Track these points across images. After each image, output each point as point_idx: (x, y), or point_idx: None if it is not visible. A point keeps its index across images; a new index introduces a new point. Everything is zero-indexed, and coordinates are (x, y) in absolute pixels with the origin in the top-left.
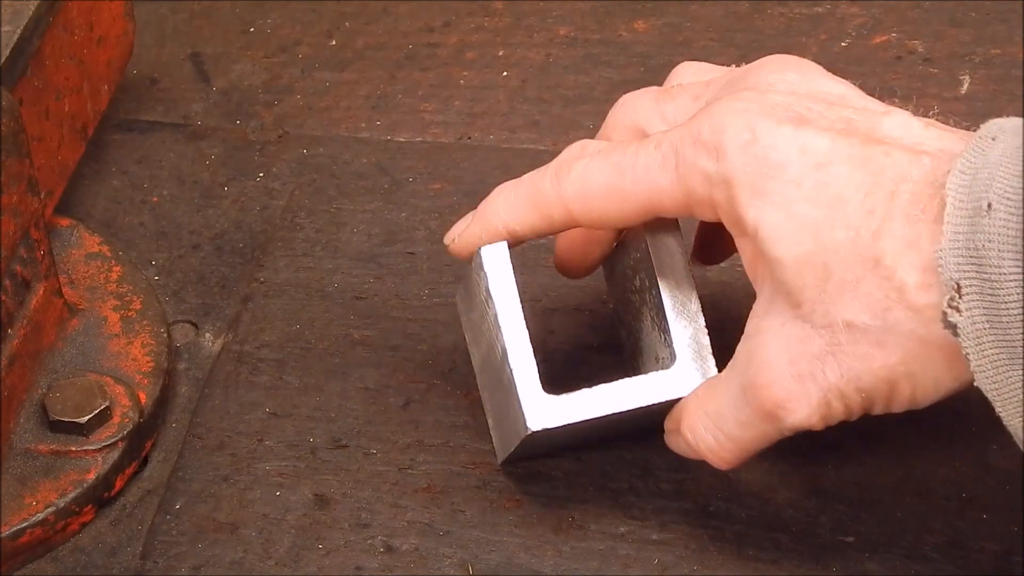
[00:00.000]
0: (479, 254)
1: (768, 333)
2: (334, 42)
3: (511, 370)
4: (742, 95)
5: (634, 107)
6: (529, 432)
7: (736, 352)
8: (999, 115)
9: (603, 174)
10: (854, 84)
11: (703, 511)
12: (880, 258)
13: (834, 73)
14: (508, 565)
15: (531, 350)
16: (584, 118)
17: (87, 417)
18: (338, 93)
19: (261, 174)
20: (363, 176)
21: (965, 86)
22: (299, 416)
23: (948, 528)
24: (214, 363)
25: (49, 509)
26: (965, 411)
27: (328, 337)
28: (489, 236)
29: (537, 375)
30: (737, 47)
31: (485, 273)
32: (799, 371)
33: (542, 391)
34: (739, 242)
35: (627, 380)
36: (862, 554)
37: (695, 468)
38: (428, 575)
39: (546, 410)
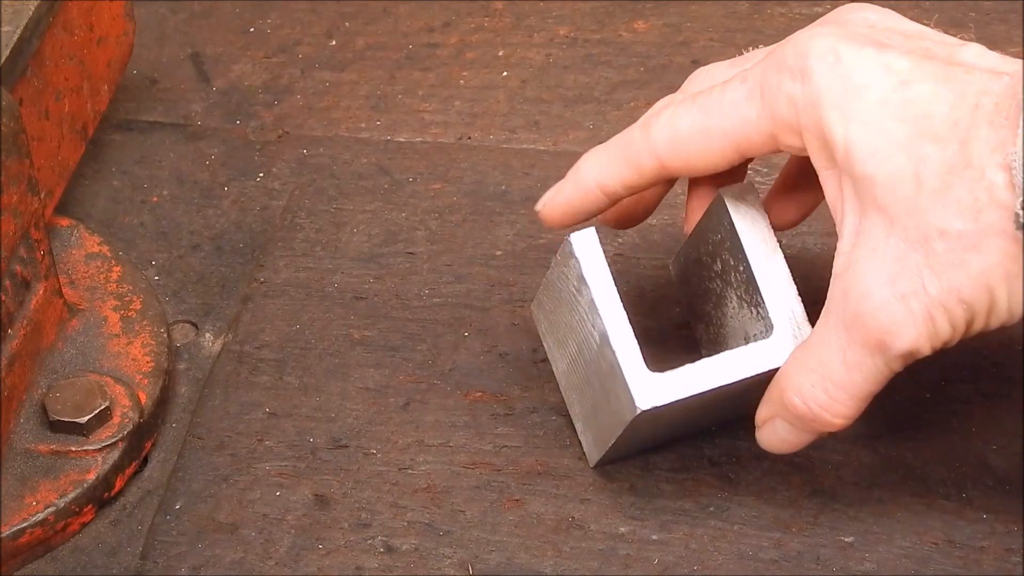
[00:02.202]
0: (568, 242)
1: (861, 262)
2: (334, 42)
3: (613, 352)
4: (823, 26)
5: (711, 73)
6: (638, 412)
7: (829, 295)
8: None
9: (690, 116)
10: None
11: (703, 511)
12: (968, 161)
13: None
14: (508, 565)
15: (631, 330)
16: (584, 118)
17: (87, 417)
18: (338, 93)
19: (261, 174)
20: (363, 176)
21: None
22: (299, 416)
23: (948, 528)
24: (214, 363)
25: (49, 509)
26: (965, 411)
27: (328, 337)
28: (581, 196)
29: (640, 355)
30: (737, 47)
31: (577, 260)
32: (900, 290)
33: (647, 370)
34: (824, 174)
35: (728, 353)
36: (862, 554)
37: (695, 468)
38: (428, 575)
39: (653, 388)
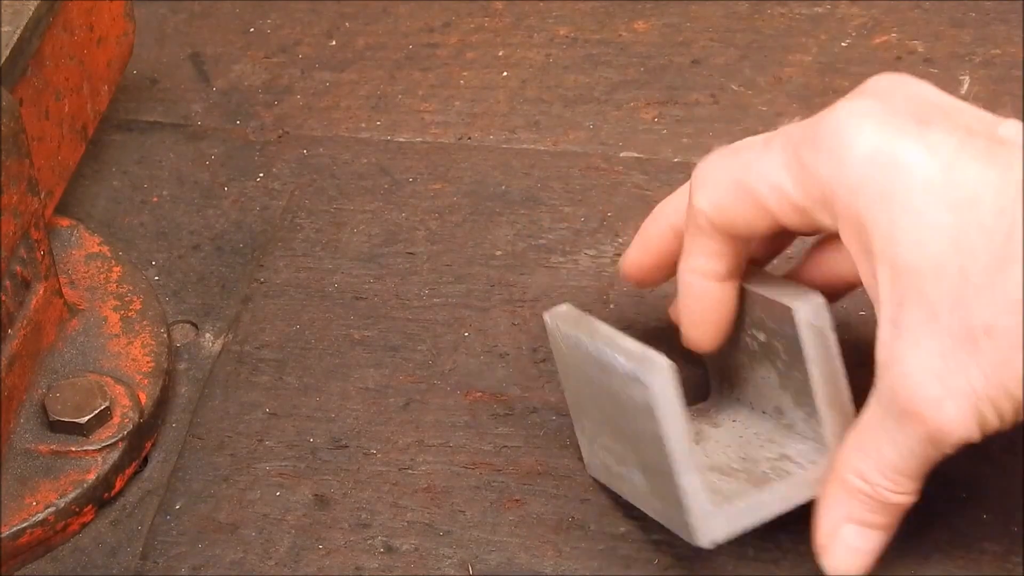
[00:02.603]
0: (634, 368)
1: (907, 358)
2: (334, 42)
3: (677, 485)
4: (861, 100)
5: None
6: (697, 544)
7: (876, 385)
8: (999, 115)
9: (730, 169)
10: (854, 85)
11: None
12: (1015, 254)
13: (834, 73)
14: (508, 565)
15: (697, 469)
16: (584, 118)
17: (87, 417)
18: (338, 93)
19: (261, 174)
20: (363, 176)
21: (965, 86)
22: (299, 416)
23: (948, 528)
24: (214, 363)
25: (49, 509)
26: None
27: (328, 337)
28: (646, 254)
29: (704, 493)
30: (737, 47)
31: (647, 389)
32: (948, 388)
33: (710, 506)
34: (860, 258)
35: (784, 482)
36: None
37: None
38: (428, 575)
39: (716, 524)
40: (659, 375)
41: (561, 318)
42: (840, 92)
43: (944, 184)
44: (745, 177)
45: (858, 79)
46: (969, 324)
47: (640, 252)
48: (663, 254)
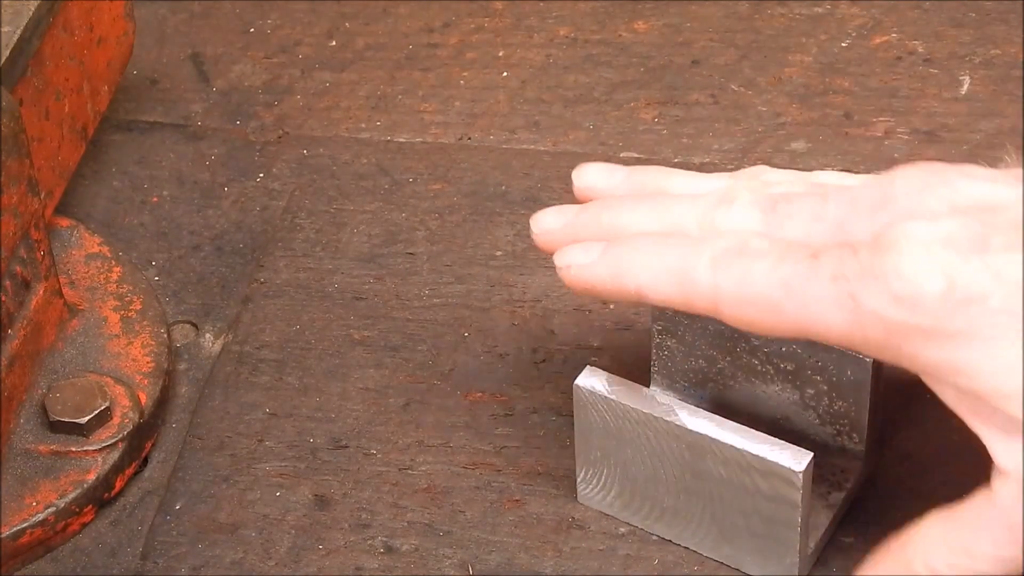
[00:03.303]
0: (787, 475)
1: None
2: (334, 42)
3: (794, 551)
4: (912, 228)
5: (777, 180)
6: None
7: (994, 491)
8: (999, 115)
9: (768, 286)
10: (854, 85)
11: None
12: None
13: (834, 73)
14: (508, 565)
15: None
16: (584, 118)
17: (87, 417)
18: (338, 93)
19: (261, 174)
20: (363, 176)
21: (965, 86)
22: (299, 416)
23: None
24: (214, 363)
25: (49, 509)
26: None
27: (328, 337)
28: (616, 291)
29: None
30: (737, 47)
31: (796, 491)
32: None
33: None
34: (937, 386)
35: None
36: (862, 554)
37: None
38: (428, 575)
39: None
40: (807, 475)
41: (605, 384)
42: (840, 92)
43: (1017, 309)
44: (784, 302)
45: (858, 79)
46: None
47: (589, 286)
48: (611, 299)
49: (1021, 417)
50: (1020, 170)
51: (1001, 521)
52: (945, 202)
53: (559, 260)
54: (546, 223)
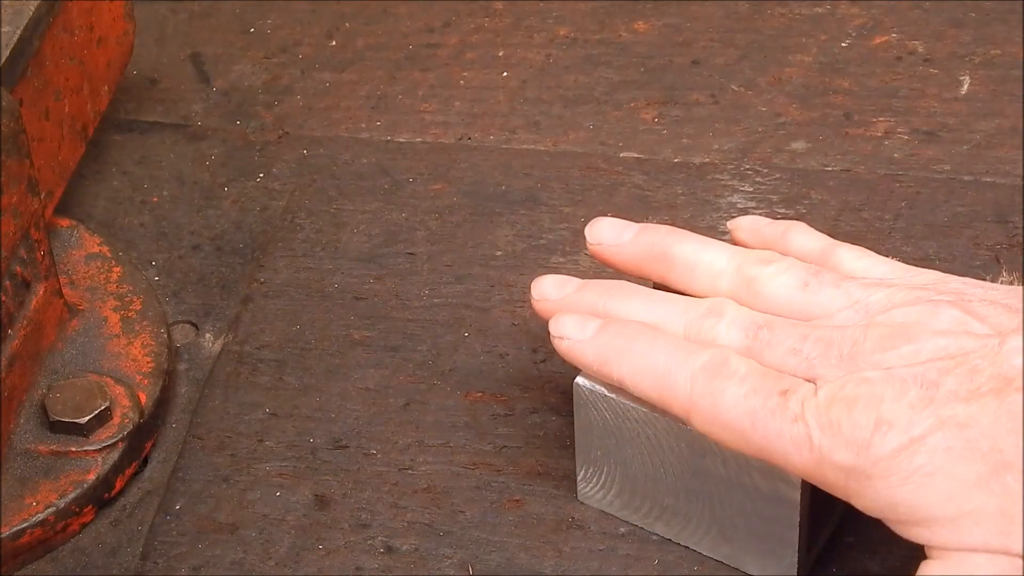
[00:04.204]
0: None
1: None
2: (334, 42)
3: (788, 547)
4: (872, 382)
5: (783, 251)
6: None
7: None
8: (999, 115)
9: (736, 413)
10: (854, 85)
11: None
12: None
13: (834, 73)
14: (508, 565)
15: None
16: (584, 118)
17: (87, 417)
18: (338, 93)
19: (261, 174)
20: (363, 176)
21: (965, 86)
22: (299, 416)
23: None
24: (214, 363)
25: (49, 509)
26: None
27: (328, 337)
28: (600, 374)
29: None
30: (737, 47)
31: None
32: None
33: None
34: (887, 522)
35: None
36: (862, 554)
37: None
38: (428, 575)
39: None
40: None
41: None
42: (840, 92)
43: (963, 443)
44: (748, 430)
45: (858, 79)
46: None
47: (563, 350)
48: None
49: (962, 539)
50: (1015, 292)
51: None
52: (906, 357)
53: (554, 329)
54: (546, 292)
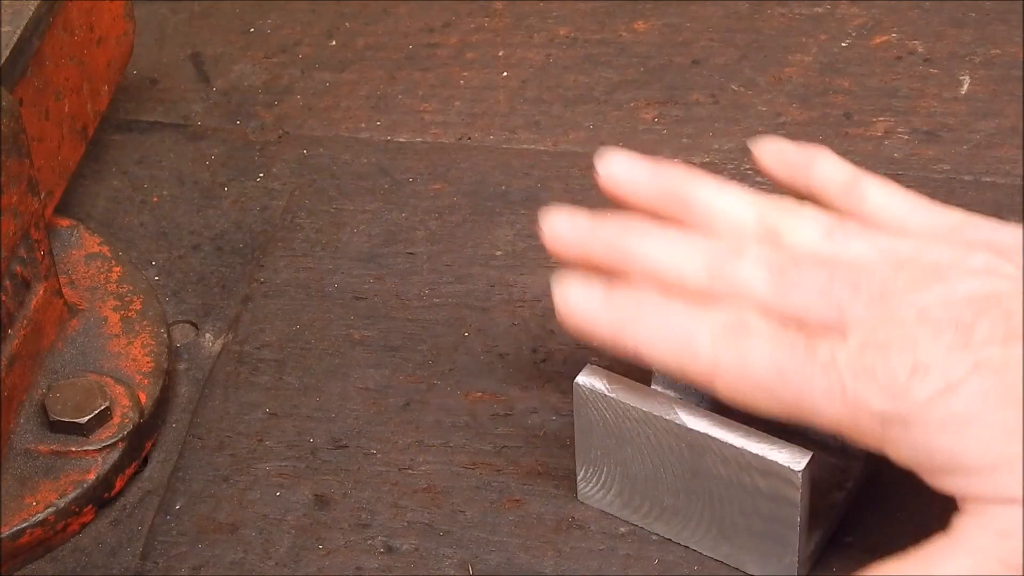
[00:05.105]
0: (786, 474)
1: (1014, 531)
2: (334, 42)
3: (792, 550)
4: (905, 324)
5: (807, 224)
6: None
7: (965, 534)
8: (999, 115)
9: (764, 369)
10: (854, 85)
11: None
12: None
13: (834, 73)
14: (508, 565)
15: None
16: (584, 118)
17: (87, 417)
18: (338, 93)
19: (261, 174)
20: (363, 176)
21: (965, 86)
22: (299, 416)
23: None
24: (214, 363)
25: (49, 509)
26: None
27: (328, 337)
28: (612, 344)
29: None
30: (737, 47)
31: (795, 490)
32: None
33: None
34: (922, 473)
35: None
36: (862, 554)
37: None
38: (428, 575)
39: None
40: (806, 474)
41: (605, 383)
42: (840, 92)
43: (1001, 388)
44: (777, 386)
45: (858, 79)
46: None
47: (583, 322)
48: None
49: (999, 488)
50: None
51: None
52: (940, 298)
53: (557, 290)
54: (558, 228)
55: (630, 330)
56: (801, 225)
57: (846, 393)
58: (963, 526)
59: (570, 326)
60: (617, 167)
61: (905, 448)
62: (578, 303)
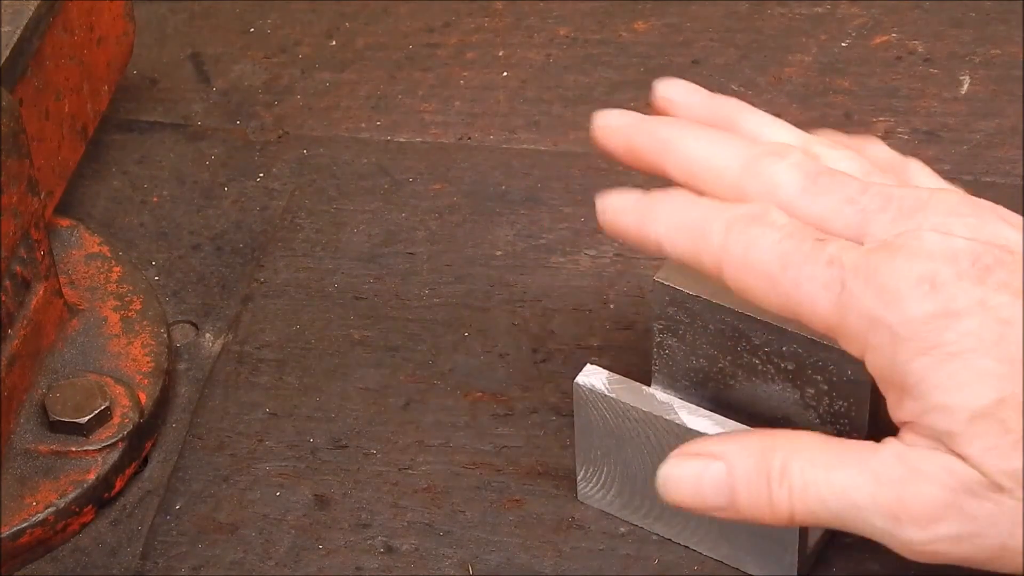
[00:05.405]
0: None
1: (929, 475)
2: (334, 42)
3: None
4: (924, 236)
5: (837, 160)
6: None
7: (883, 456)
8: (999, 115)
9: (769, 256)
10: (854, 85)
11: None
12: None
13: (834, 73)
14: (508, 565)
15: None
16: (584, 118)
17: (87, 417)
18: (338, 93)
19: (261, 174)
20: (363, 176)
21: (965, 86)
22: (299, 416)
23: None
24: (214, 363)
25: (49, 509)
26: None
27: (328, 337)
28: (640, 238)
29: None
30: (737, 47)
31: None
32: (966, 514)
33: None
34: (887, 389)
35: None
36: (862, 554)
37: None
38: (428, 575)
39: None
40: None
41: (605, 383)
42: (840, 92)
43: (996, 338)
44: (778, 274)
45: (858, 79)
46: (998, 471)
47: (620, 229)
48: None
49: (954, 435)
50: None
51: (883, 499)
52: (970, 230)
53: (600, 203)
54: (609, 119)
55: (653, 222)
56: (843, 158)
57: (843, 290)
58: (887, 450)
59: (606, 227)
60: (674, 90)
61: (883, 358)
62: (614, 204)
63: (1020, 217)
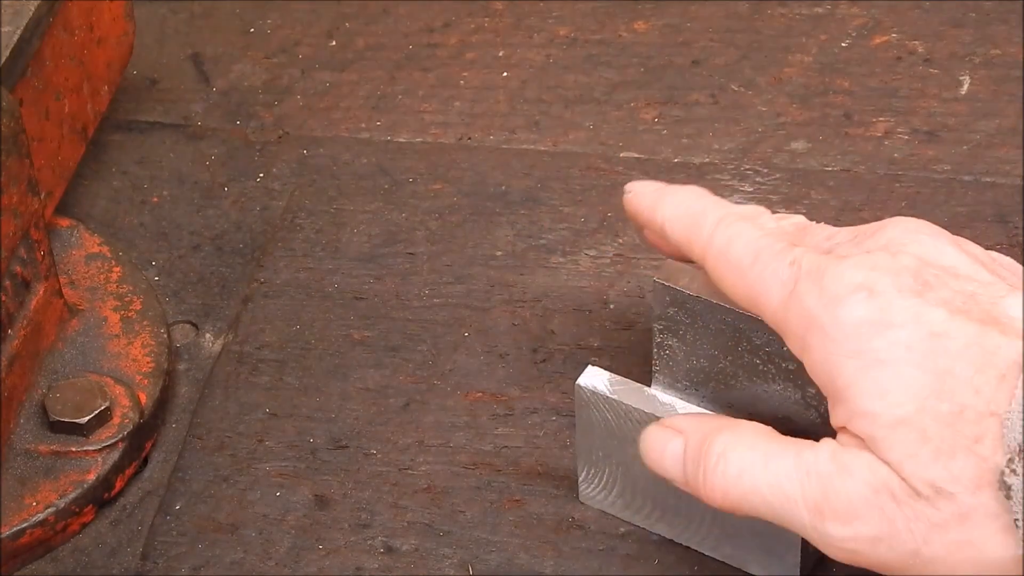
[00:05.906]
0: None
1: (855, 473)
2: (334, 42)
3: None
4: (875, 253)
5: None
6: None
7: (818, 452)
8: (999, 115)
9: (744, 249)
10: (854, 85)
11: None
12: (981, 438)
13: (834, 74)
14: (508, 565)
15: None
16: (584, 118)
17: (87, 417)
18: (338, 93)
19: (261, 174)
20: (363, 176)
21: (965, 86)
22: (299, 416)
23: None
24: (214, 363)
25: (49, 509)
26: None
27: (328, 337)
28: (650, 220)
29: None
30: (737, 47)
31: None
32: (885, 516)
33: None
34: (824, 391)
35: None
36: None
37: None
38: (428, 575)
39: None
40: None
41: (606, 385)
42: (840, 92)
43: (925, 350)
44: (747, 265)
45: (858, 79)
46: (918, 478)
47: (637, 211)
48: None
49: (877, 440)
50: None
51: (811, 491)
52: (922, 249)
53: (627, 186)
54: (639, 187)
55: (662, 204)
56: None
57: (794, 286)
58: (823, 447)
59: (627, 206)
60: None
61: (815, 358)
62: (638, 187)
63: (978, 247)
